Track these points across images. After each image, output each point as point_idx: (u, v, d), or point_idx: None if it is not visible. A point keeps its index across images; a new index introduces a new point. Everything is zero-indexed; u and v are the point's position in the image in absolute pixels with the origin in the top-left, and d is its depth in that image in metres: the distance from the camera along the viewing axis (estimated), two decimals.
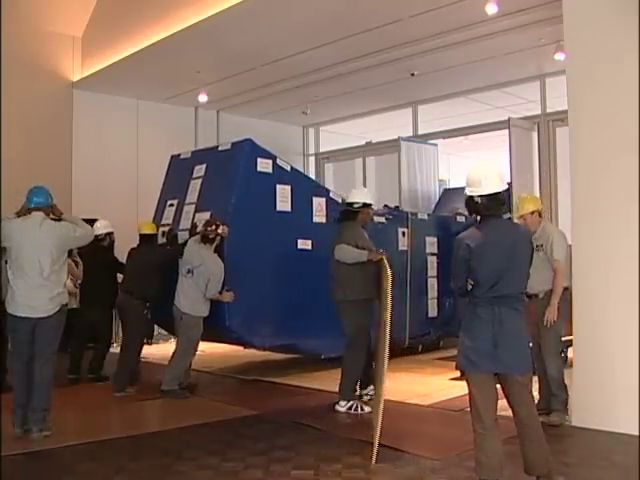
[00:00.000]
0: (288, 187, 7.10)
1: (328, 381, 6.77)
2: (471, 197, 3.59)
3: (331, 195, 7.57)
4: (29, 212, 5.04)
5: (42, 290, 4.90)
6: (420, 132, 11.75)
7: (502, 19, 7.76)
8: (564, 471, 3.91)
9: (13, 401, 4.96)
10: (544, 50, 8.59)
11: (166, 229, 7.40)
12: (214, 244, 6.41)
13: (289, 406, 6.03)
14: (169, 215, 7.55)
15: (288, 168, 7.26)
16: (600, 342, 4.97)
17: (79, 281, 9.54)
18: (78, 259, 9.73)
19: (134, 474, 4.16)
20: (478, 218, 3.67)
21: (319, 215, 7.33)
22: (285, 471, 4.11)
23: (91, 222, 10.12)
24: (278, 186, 7.03)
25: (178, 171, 7.78)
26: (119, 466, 4.27)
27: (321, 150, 13.74)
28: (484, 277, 3.47)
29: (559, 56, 7.91)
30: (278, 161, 7.14)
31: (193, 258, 6.40)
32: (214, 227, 6.36)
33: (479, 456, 3.47)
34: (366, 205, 6.07)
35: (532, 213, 5.31)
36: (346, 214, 6.10)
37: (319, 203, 7.35)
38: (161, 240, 7.34)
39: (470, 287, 3.55)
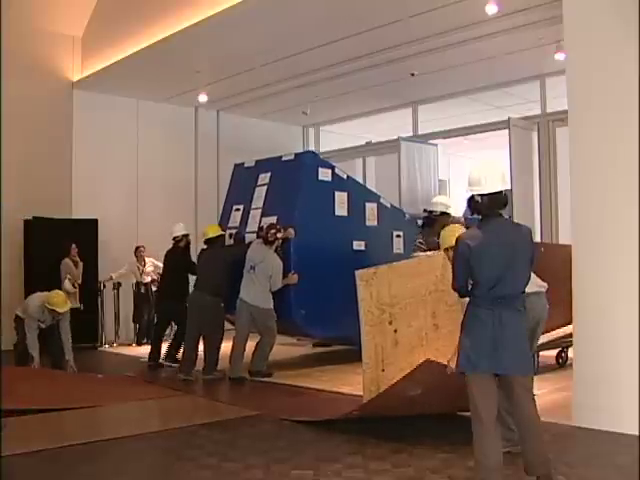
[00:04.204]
0: (345, 194, 7.83)
1: (328, 381, 6.76)
2: (472, 196, 3.60)
3: (381, 201, 8.25)
4: None
5: None
6: (420, 132, 11.74)
7: (502, 19, 7.76)
8: (564, 471, 3.90)
9: None
10: (544, 50, 8.58)
11: (233, 232, 8.05)
12: (274, 245, 7.23)
13: (289, 406, 6.03)
14: (235, 219, 8.19)
15: (345, 176, 7.99)
16: (600, 342, 4.96)
17: (78, 281, 9.55)
18: (78, 259, 9.74)
19: (134, 474, 4.16)
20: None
21: (371, 219, 8.05)
22: (285, 471, 4.10)
23: (91, 222, 10.23)
24: (336, 193, 7.76)
25: (242, 178, 8.44)
26: (119, 466, 4.27)
27: (321, 150, 13.71)
28: (484, 277, 3.47)
29: (559, 56, 7.90)
30: (336, 170, 7.88)
31: (256, 256, 7.26)
32: (274, 231, 7.24)
33: (478, 456, 3.46)
34: (444, 213, 6.42)
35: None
36: (427, 220, 6.61)
37: (371, 208, 8.09)
38: (228, 242, 7.98)
39: (470, 287, 3.55)
